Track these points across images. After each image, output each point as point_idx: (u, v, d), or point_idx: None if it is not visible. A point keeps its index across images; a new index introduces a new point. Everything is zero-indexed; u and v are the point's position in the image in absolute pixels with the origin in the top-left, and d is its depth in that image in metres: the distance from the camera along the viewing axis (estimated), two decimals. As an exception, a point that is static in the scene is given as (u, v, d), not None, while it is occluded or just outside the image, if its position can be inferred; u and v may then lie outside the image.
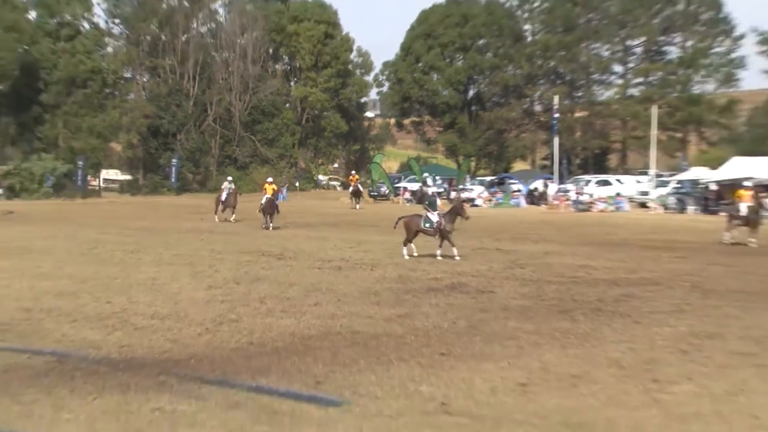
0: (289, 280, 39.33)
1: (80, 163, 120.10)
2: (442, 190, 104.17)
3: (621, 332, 28.26)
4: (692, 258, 49.49)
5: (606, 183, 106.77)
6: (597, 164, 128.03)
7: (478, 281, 38.86)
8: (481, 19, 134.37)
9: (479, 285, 37.83)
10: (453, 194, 61.30)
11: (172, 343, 26.60)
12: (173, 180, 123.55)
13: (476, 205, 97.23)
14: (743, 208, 54.45)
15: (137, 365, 23.96)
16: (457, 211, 47.20)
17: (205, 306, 33.05)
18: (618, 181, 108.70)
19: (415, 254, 45.81)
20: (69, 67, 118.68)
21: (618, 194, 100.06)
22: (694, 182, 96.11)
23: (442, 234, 45.77)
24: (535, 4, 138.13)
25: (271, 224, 62.89)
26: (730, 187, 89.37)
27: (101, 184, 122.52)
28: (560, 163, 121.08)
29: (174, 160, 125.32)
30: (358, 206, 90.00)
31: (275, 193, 66.93)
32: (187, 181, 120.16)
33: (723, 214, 68.07)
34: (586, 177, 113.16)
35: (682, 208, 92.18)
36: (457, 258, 44.73)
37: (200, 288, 37.25)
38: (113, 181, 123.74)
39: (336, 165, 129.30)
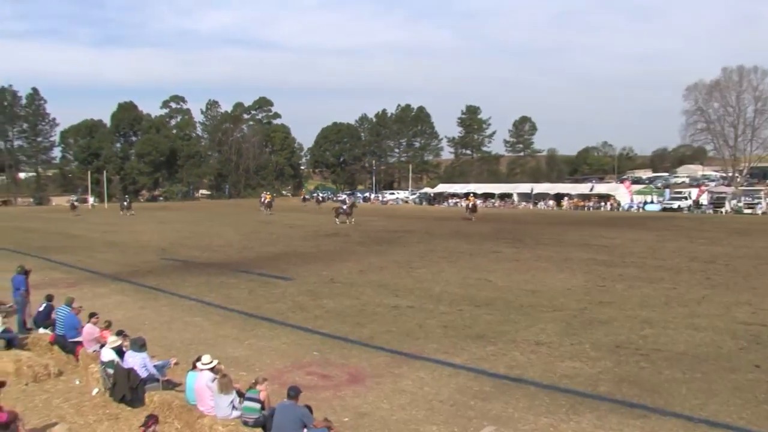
0: (271, 232, 39.81)
1: (191, 186, 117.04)
2: (332, 196, 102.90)
3: (398, 250, 29.03)
4: (425, 221, 50.50)
5: (392, 193, 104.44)
6: (390, 186, 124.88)
7: (344, 232, 39.65)
8: (344, 131, 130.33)
9: (345, 233, 38.69)
10: (347, 200, 60.90)
11: (227, 256, 26.93)
12: (227, 193, 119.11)
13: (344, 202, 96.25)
14: (470, 205, 53.20)
15: (213, 265, 24.10)
16: (353, 204, 50.69)
17: (239, 242, 33.44)
18: (398, 192, 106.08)
19: (338, 223, 46.20)
20: (187, 150, 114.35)
21: (397, 198, 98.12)
22: (426, 193, 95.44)
23: (348, 213, 47.41)
24: (365, 125, 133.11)
25: (268, 212, 61.75)
26: (440, 195, 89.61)
27: (199, 196, 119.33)
28: (376, 185, 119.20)
29: (227, 186, 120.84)
30: (305, 203, 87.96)
31: (271, 199, 66.39)
32: (232, 194, 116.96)
33: (451, 206, 68.84)
34: (385, 191, 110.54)
35: (421, 203, 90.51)
36: (353, 222, 46.45)
37: (237, 235, 37.83)
38: (204, 194, 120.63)
39: (289, 187, 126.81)
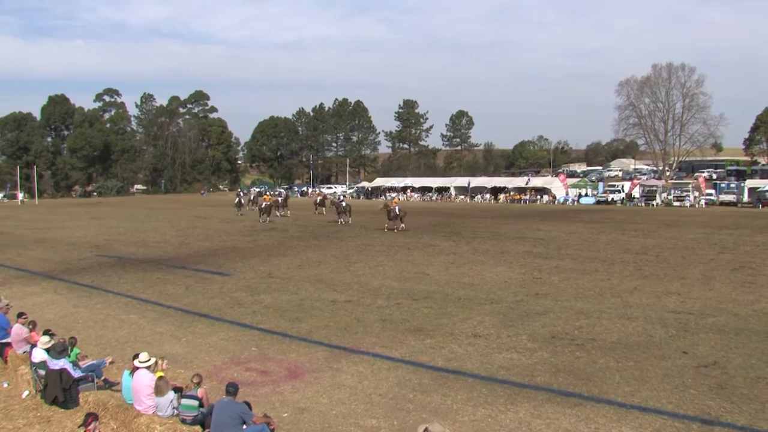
0: (209, 227, 38.96)
1: (126, 182, 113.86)
2: (270, 190, 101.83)
3: (336, 244, 28.93)
4: (362, 215, 50.04)
5: (330, 187, 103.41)
6: (327, 180, 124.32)
7: (283, 227, 39.35)
8: (282, 126, 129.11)
9: (283, 228, 38.44)
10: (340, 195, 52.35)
11: (163, 252, 26.44)
12: (163, 188, 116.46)
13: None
14: (391, 210, 36.43)
15: (149, 261, 23.62)
16: (325, 199, 48.53)
17: (175, 237, 32.88)
18: (335, 186, 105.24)
19: (342, 223, 40.99)
20: (121, 145, 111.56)
21: (334, 192, 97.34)
22: (363, 187, 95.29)
23: (344, 211, 41.73)
24: (302, 119, 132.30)
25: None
26: (377, 189, 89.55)
27: (135, 191, 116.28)
28: (313, 180, 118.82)
29: (162, 181, 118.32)
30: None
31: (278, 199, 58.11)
32: (168, 189, 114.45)
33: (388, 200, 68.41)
34: (323, 185, 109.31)
35: (358, 197, 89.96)
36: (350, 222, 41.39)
37: (173, 230, 37.25)
38: (139, 189, 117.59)
39: (226, 181, 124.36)
